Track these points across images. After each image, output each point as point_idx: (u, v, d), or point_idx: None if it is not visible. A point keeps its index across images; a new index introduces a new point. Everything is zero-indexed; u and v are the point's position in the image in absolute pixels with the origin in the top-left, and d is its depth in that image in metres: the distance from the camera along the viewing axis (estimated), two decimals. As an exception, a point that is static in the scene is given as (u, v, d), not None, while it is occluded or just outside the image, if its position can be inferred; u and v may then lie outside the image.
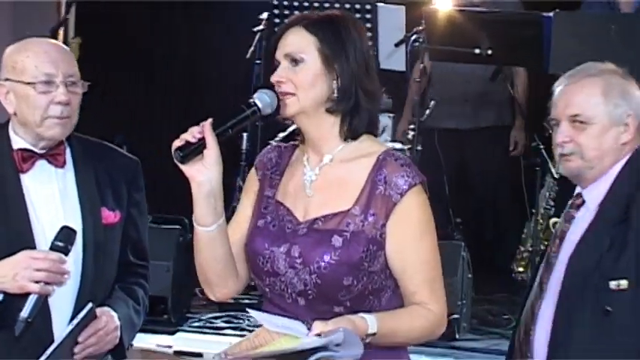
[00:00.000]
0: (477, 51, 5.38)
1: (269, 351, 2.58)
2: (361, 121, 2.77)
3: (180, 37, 7.35)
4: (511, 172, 6.00)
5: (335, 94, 2.75)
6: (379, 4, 5.50)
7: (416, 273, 2.73)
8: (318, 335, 2.54)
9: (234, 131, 2.74)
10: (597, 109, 2.94)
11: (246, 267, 2.86)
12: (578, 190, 3.04)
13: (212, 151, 2.66)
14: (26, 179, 3.13)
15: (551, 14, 5.37)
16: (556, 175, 5.50)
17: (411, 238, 2.73)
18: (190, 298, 5.33)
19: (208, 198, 2.71)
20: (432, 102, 5.61)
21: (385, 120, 5.59)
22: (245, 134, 5.94)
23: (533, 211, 5.65)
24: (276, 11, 5.58)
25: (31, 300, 2.96)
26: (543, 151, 5.52)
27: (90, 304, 3.03)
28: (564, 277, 2.93)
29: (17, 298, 2.99)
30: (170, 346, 4.68)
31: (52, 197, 3.15)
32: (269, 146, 2.98)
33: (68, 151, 3.20)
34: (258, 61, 5.64)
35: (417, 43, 5.48)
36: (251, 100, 2.74)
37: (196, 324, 5.05)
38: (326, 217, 2.74)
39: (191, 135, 2.65)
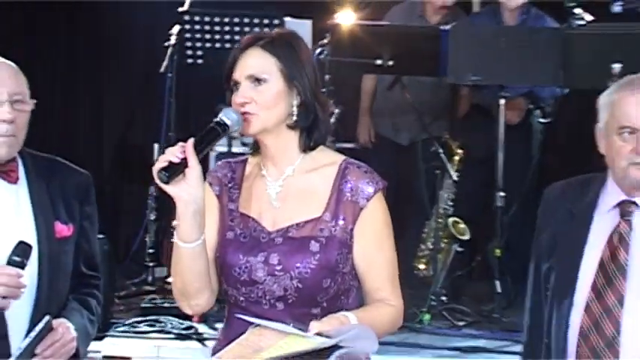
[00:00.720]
0: (379, 62, 5.43)
1: (287, 352, 2.56)
2: (320, 133, 2.84)
3: (92, 45, 7.23)
4: (412, 175, 6.07)
5: (295, 111, 2.79)
6: (287, 19, 5.54)
7: (380, 271, 2.82)
8: (318, 335, 2.55)
9: (208, 149, 2.74)
10: None
11: (217, 279, 2.86)
12: (622, 197, 3.01)
13: (195, 171, 2.65)
14: None
15: (448, 27, 5.50)
16: (455, 178, 5.64)
17: (376, 240, 2.82)
18: (112, 305, 5.28)
19: (195, 216, 2.69)
20: (337, 110, 5.65)
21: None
22: (156, 145, 5.95)
23: (433, 212, 5.74)
24: (187, 26, 5.59)
25: None
26: (442, 155, 5.65)
27: (47, 317, 3.05)
28: None
29: None
30: (99, 352, 4.62)
31: (5, 212, 3.13)
32: (218, 163, 3.00)
33: (21, 167, 3.18)
34: (169, 74, 5.63)
35: (322, 56, 5.49)
36: (219, 119, 2.73)
37: (121, 329, 4.97)
38: (299, 224, 2.79)
39: (173, 156, 2.63)
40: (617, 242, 2.97)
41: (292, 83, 2.78)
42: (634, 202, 2.98)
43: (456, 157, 5.75)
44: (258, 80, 2.76)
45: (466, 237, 5.71)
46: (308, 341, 2.56)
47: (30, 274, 3.03)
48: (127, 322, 5.06)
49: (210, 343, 4.80)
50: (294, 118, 2.79)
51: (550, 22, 5.99)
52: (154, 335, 4.92)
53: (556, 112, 6.15)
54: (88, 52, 7.33)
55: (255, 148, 2.90)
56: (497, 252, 5.53)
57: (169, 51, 5.56)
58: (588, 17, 5.42)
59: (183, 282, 2.78)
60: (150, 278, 5.88)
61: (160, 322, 5.10)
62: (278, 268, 2.76)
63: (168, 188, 2.65)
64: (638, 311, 2.92)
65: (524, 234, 5.88)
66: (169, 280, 5.72)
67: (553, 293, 3.03)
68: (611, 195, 3.03)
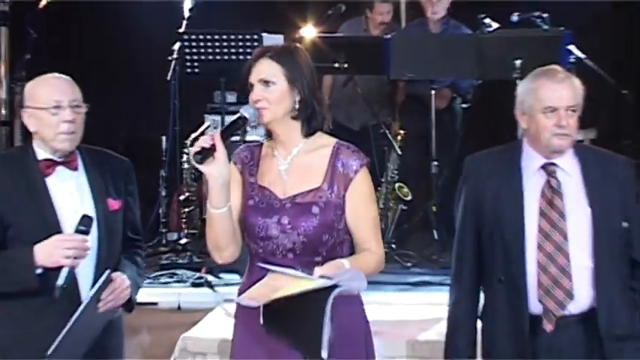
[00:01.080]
0: (336, 65, 5.46)
1: (297, 291, 2.59)
2: (317, 122, 2.86)
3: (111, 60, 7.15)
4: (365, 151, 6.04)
5: (297, 106, 2.81)
6: (264, 34, 5.54)
7: (367, 228, 2.84)
8: (322, 277, 2.58)
9: (231, 137, 2.78)
10: (580, 100, 3.02)
11: (241, 236, 2.87)
12: (545, 160, 3.03)
13: (222, 154, 2.69)
14: (50, 181, 3.10)
15: (389, 36, 5.55)
16: (399, 152, 5.65)
17: (362, 203, 2.83)
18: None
19: (222, 187, 2.72)
20: None
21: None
22: (164, 137, 5.89)
23: (382, 180, 5.75)
24: (186, 43, 5.57)
25: (64, 271, 2.96)
26: (389, 135, 5.67)
27: (107, 271, 3.04)
28: (594, 223, 2.98)
29: (53, 272, 2.97)
30: (132, 300, 4.62)
31: (70, 193, 3.13)
32: (241, 147, 2.99)
33: (79, 158, 3.18)
34: (173, 82, 5.61)
35: (292, 62, 5.50)
36: (241, 114, 2.77)
37: (147, 281, 4.85)
38: (303, 193, 2.81)
39: (205, 143, 2.67)
40: (550, 195, 3.00)
41: (294, 84, 2.79)
42: (554, 164, 3.03)
43: (399, 137, 5.75)
44: (267, 83, 2.79)
45: (409, 198, 5.74)
46: (314, 282, 2.59)
47: (92, 239, 3.05)
48: (151, 276, 5.03)
49: (219, 289, 4.89)
50: (296, 110, 2.81)
51: (465, 29, 6.04)
52: (173, 285, 4.96)
53: (473, 99, 6.23)
54: (97, 56, 7.16)
55: (268, 135, 2.91)
56: (434, 208, 5.61)
57: (172, 63, 5.51)
58: (495, 25, 5.49)
59: (215, 239, 2.80)
60: (164, 241, 5.86)
61: (177, 274, 5.13)
62: (288, 226, 2.79)
63: (202, 167, 2.68)
64: (579, 245, 2.98)
65: (454, 194, 6.02)
66: (181, 242, 5.71)
67: (504, 238, 3.01)
68: (533, 160, 3.05)
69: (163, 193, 5.86)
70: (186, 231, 5.77)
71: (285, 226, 2.80)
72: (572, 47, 5.35)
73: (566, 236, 2.97)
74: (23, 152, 3.17)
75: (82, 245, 2.99)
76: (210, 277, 5.01)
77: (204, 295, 4.78)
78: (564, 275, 2.96)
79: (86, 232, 3.01)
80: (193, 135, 5.41)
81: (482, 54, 5.38)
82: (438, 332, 4.00)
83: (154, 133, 6.30)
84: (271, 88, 2.79)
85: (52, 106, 3.06)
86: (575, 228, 2.99)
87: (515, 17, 5.38)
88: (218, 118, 5.86)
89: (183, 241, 5.69)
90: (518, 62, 5.22)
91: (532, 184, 3.03)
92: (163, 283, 4.97)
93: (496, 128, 6.84)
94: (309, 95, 2.83)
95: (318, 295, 2.57)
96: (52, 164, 3.12)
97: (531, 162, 3.05)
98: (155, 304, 4.64)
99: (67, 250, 2.96)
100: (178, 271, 5.15)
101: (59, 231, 3.05)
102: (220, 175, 2.71)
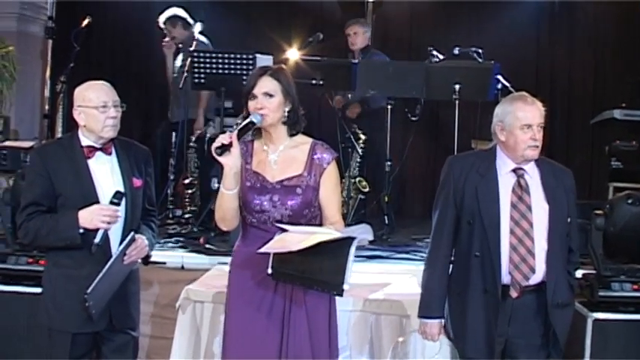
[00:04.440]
0: (314, 82, 5.41)
1: (319, 241, 2.62)
2: (300, 126, 3.01)
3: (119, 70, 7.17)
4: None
5: (286, 114, 2.95)
6: (257, 55, 5.57)
7: (333, 206, 2.97)
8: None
9: (244, 136, 2.88)
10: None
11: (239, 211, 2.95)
12: (514, 165, 3.10)
13: (236, 149, 2.82)
14: (91, 162, 3.23)
15: (356, 61, 5.54)
16: (360, 153, 5.68)
17: (331, 187, 2.96)
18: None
19: (235, 174, 2.84)
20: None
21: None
22: (174, 133, 5.95)
23: (346, 174, 5.81)
24: (195, 59, 5.54)
25: (100, 232, 3.13)
26: (353, 138, 5.73)
27: (132, 233, 3.20)
28: (550, 216, 3.07)
29: (92, 232, 3.13)
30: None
31: (106, 172, 3.26)
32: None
33: (113, 145, 3.29)
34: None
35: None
36: (250, 119, 2.88)
37: (158, 246, 4.73)
38: (289, 178, 2.93)
39: (224, 139, 2.80)
40: (519, 192, 3.08)
41: (287, 98, 2.92)
42: (522, 169, 3.11)
43: (361, 141, 5.79)
44: (269, 95, 2.90)
45: (367, 190, 5.82)
46: (330, 235, 2.65)
47: (121, 208, 3.18)
48: (160, 242, 4.98)
49: (214, 257, 4.83)
50: (286, 117, 2.94)
51: (383, 56, 6.04)
52: (178, 250, 4.93)
53: (420, 114, 6.17)
54: (123, 67, 7.17)
55: (255, 135, 3.01)
56: (386, 199, 5.60)
57: (184, 75, 5.56)
58: (440, 56, 5.54)
59: (224, 213, 2.90)
60: (171, 215, 5.87)
61: (181, 241, 5.13)
62: (278, 202, 2.89)
63: (220, 158, 2.78)
64: (540, 232, 3.06)
65: (402, 188, 6.18)
66: (184, 217, 5.74)
67: (484, 223, 3.04)
68: (505, 164, 3.11)
69: (171, 178, 5.87)
70: (188, 208, 5.81)
71: (275, 202, 2.90)
72: (499, 77, 5.43)
73: (532, 225, 3.05)
74: (71, 139, 3.26)
75: (115, 214, 3.13)
76: (207, 245, 5.04)
77: (202, 259, 4.76)
78: (530, 255, 3.04)
79: (118, 204, 3.15)
80: (193, 137, 5.62)
81: (429, 78, 5.39)
82: (385, 293, 4.07)
83: (166, 129, 6.31)
84: (272, 100, 2.91)
85: (101, 105, 3.18)
86: (537, 219, 3.06)
87: (456, 51, 5.42)
88: (217, 119, 5.87)
89: (187, 216, 5.73)
90: (457, 86, 5.29)
91: (505, 183, 3.10)
92: (170, 248, 4.95)
93: (435, 137, 7.01)
94: (296, 107, 2.96)
95: (338, 244, 2.64)
96: (92, 149, 3.24)
97: (504, 165, 3.13)
98: (164, 263, 4.65)
99: (103, 217, 3.11)
100: (182, 239, 5.15)
101: (97, 201, 3.17)
102: (234, 165, 2.82)
